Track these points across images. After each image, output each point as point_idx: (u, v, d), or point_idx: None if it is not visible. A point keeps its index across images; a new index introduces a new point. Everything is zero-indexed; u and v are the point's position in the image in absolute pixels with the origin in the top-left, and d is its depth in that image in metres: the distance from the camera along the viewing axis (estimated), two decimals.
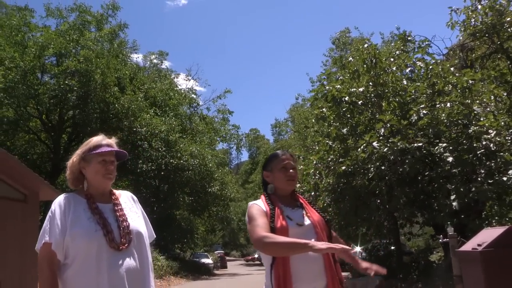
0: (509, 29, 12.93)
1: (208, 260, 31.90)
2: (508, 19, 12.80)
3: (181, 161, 24.04)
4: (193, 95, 32.72)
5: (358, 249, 19.64)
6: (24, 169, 8.86)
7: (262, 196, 2.60)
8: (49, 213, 2.20)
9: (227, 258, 43.02)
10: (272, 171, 2.59)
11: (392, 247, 14.70)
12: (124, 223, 2.25)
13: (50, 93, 21.39)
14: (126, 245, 2.18)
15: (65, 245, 2.12)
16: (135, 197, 2.54)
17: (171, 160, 23.80)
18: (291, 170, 2.56)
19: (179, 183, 25.11)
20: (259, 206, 2.52)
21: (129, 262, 2.16)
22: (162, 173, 23.94)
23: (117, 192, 2.46)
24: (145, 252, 2.30)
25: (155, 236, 2.58)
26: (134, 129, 23.44)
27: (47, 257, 2.12)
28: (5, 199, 8.57)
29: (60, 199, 2.25)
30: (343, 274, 14.29)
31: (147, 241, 2.38)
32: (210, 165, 25.71)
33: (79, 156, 2.34)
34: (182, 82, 34.96)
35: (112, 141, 2.46)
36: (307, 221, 2.43)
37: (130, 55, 29.52)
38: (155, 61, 33.87)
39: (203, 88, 63.41)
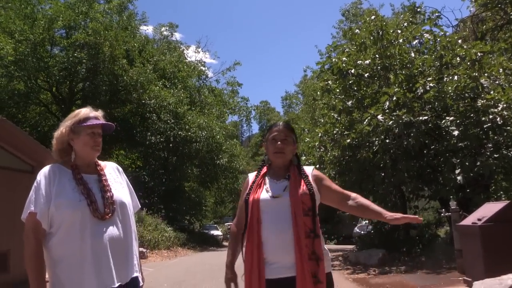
0: None
1: (217, 232, 32.23)
2: None
3: (189, 133, 24.11)
4: (202, 67, 32.53)
5: (364, 222, 19.81)
6: (31, 142, 9.01)
7: (264, 167, 2.67)
8: (35, 183, 2.23)
9: None
10: (266, 142, 2.64)
11: None
12: (108, 194, 2.28)
13: (59, 65, 21.44)
14: (109, 214, 2.22)
15: (50, 214, 2.16)
16: (120, 168, 2.57)
17: (180, 132, 23.87)
18: (278, 143, 2.55)
19: (187, 155, 25.21)
20: (248, 178, 2.65)
21: (113, 231, 2.21)
22: (171, 145, 24.09)
23: (103, 163, 2.49)
24: (129, 222, 2.34)
25: (139, 206, 2.61)
26: (143, 102, 23.49)
27: (32, 226, 2.16)
28: (13, 171, 8.74)
29: (45, 170, 2.29)
30: (350, 247, 14.46)
31: (131, 211, 2.41)
32: (218, 137, 25.73)
33: (68, 127, 2.36)
34: (192, 55, 34.76)
35: (99, 113, 2.48)
36: (285, 194, 2.42)
37: (139, 27, 29.34)
38: (165, 33, 33.63)
39: (213, 60, 63.21)
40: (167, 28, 34.25)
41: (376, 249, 12.23)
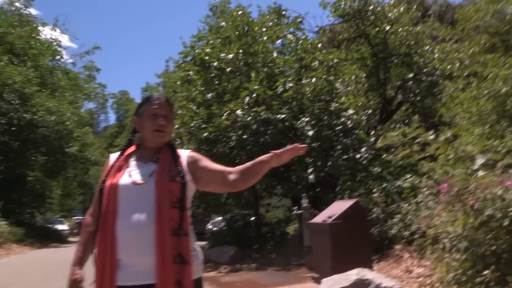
0: (371, 17, 13.63)
1: (62, 226, 29.92)
2: (371, 7, 13.48)
3: (36, 117, 21.89)
4: (57, 47, 29.95)
5: (217, 219, 19.78)
6: None
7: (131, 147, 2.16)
8: None
9: None
10: (142, 118, 2.10)
11: (252, 218, 14.93)
12: None
13: None
14: None
15: None
16: None
17: (25, 115, 21.52)
18: (161, 119, 2.06)
19: (33, 141, 22.87)
20: (109, 159, 2.14)
21: None
22: (13, 128, 21.57)
23: None
24: None
25: None
26: None
27: None
28: None
29: None
30: (201, 243, 14.11)
31: None
32: (68, 123, 23.81)
33: None
34: (48, 33, 31.51)
35: None
36: (150, 181, 1.94)
37: None
38: (17, 4, 30.10)
39: (73, 44, 58.89)
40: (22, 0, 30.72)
41: (228, 246, 12.15)
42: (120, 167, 2.05)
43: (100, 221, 1.94)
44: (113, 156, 2.16)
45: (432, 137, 4.09)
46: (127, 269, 1.87)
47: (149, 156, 2.07)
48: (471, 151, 4.78)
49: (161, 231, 1.84)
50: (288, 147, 1.95)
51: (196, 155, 2.13)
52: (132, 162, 2.06)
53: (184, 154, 2.11)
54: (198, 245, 2.08)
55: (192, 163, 2.07)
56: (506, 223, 3.88)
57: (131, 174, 1.99)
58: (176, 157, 2.06)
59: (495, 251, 4.00)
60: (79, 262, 1.98)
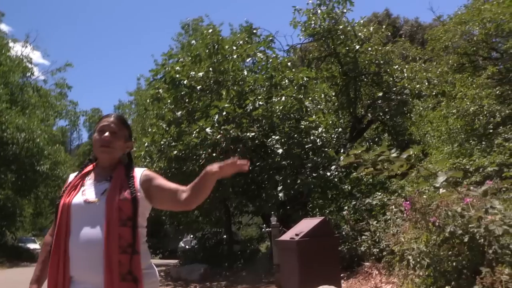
0: (341, 36, 13.85)
1: (35, 245, 29.17)
2: (341, 27, 13.71)
3: (5, 134, 21.40)
4: (28, 64, 29.45)
5: (189, 237, 19.53)
6: None
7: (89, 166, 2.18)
8: None
9: None
10: (94, 134, 2.12)
11: (224, 236, 14.79)
12: None
13: None
14: None
15: None
16: None
17: None
18: (106, 134, 2.05)
19: (3, 159, 22.36)
20: (68, 179, 2.18)
21: None
22: None
23: None
24: None
25: None
26: None
27: None
28: None
29: None
30: (174, 261, 13.96)
31: None
32: (38, 140, 23.34)
33: None
34: (19, 49, 30.95)
35: None
36: (102, 199, 1.95)
37: None
38: None
39: (45, 61, 58.18)
40: None
41: (198, 264, 12.01)
42: (75, 185, 2.06)
43: (54, 238, 1.95)
44: (72, 175, 2.18)
45: (394, 155, 4.12)
46: (79, 286, 1.90)
47: (104, 174, 2.08)
48: (433, 169, 4.84)
49: (109, 249, 1.85)
50: (230, 161, 1.96)
51: (151, 173, 2.13)
52: (88, 181, 2.08)
53: (139, 173, 2.10)
54: (152, 264, 2.08)
55: (146, 181, 2.06)
56: (466, 239, 3.91)
57: (85, 193, 2.01)
58: (130, 176, 2.05)
59: (456, 267, 4.03)
60: (37, 280, 2.03)
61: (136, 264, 1.89)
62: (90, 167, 2.16)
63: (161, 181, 2.09)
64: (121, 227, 1.89)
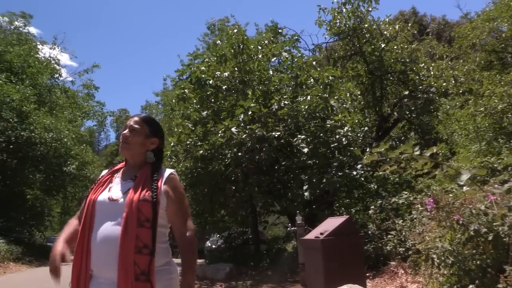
0: (366, 35, 13.79)
1: None
2: (366, 25, 13.64)
3: (33, 134, 21.90)
4: (56, 66, 30.10)
5: (215, 236, 19.70)
6: None
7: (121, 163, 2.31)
8: None
9: None
10: None
11: (250, 235, 14.87)
12: None
13: None
14: None
15: None
16: None
17: (22, 133, 21.55)
18: (126, 131, 2.16)
19: (31, 159, 22.86)
20: (100, 175, 2.29)
21: None
22: (11, 146, 21.56)
23: None
24: None
25: None
26: None
27: None
28: None
29: None
30: (198, 261, 14.12)
31: None
32: (66, 140, 23.78)
33: None
34: (47, 51, 31.69)
35: None
36: (122, 198, 2.03)
37: None
38: (16, 23, 30.43)
39: (73, 63, 59.46)
40: (19, 17, 31.02)
41: (224, 263, 12.09)
42: (104, 182, 2.16)
43: (79, 232, 2.04)
44: (104, 171, 2.28)
45: (417, 152, 4.12)
46: (97, 280, 1.98)
47: (130, 173, 2.16)
48: (458, 167, 4.81)
49: (124, 248, 1.91)
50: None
51: (175, 181, 2.16)
52: (116, 179, 2.17)
53: (165, 174, 2.15)
54: (172, 261, 2.14)
55: (170, 186, 2.11)
56: (490, 237, 3.89)
57: (111, 190, 2.09)
58: (154, 176, 2.10)
59: (480, 265, 4.01)
60: (63, 238, 2.11)
61: (150, 265, 1.93)
62: (121, 165, 2.26)
63: (178, 195, 2.13)
64: (138, 227, 1.94)
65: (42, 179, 25.29)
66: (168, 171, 2.17)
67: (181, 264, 2.06)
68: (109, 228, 1.97)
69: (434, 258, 4.78)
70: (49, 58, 29.92)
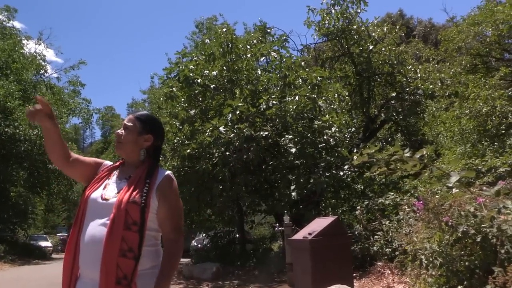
0: (355, 36, 13.87)
1: (46, 243, 29.30)
2: (355, 27, 13.72)
3: (17, 131, 21.55)
4: (41, 61, 29.68)
5: (202, 236, 19.67)
6: None
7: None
8: None
9: None
10: None
11: (237, 235, 14.84)
12: None
13: None
14: None
15: None
16: None
17: (6, 129, 21.19)
18: (120, 129, 2.13)
19: (15, 156, 22.52)
20: (103, 165, 2.25)
21: None
22: None
23: None
24: None
25: None
26: None
27: None
28: None
29: None
30: (184, 260, 13.98)
31: None
32: None
33: None
34: (32, 47, 31.19)
35: None
36: (113, 198, 1.97)
37: None
38: (0, 17, 29.87)
39: (59, 59, 58.89)
40: (3, 12, 30.50)
41: (210, 262, 12.05)
42: (101, 178, 2.10)
43: (72, 228, 2.03)
44: (108, 162, 2.24)
45: (408, 154, 4.14)
46: (83, 280, 1.96)
47: (126, 173, 2.11)
48: (445, 169, 4.85)
49: (108, 250, 1.86)
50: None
51: (169, 182, 2.08)
52: (114, 177, 2.11)
53: (161, 175, 2.08)
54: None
55: (162, 189, 2.04)
56: (479, 239, 3.93)
57: (106, 188, 2.04)
58: (147, 179, 2.03)
59: (468, 266, 4.05)
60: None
61: (134, 270, 1.88)
62: (119, 163, 2.19)
63: (170, 200, 2.05)
64: (124, 230, 1.88)
65: (26, 176, 24.95)
66: (164, 172, 2.10)
67: (160, 270, 1.98)
68: (96, 228, 1.92)
69: (423, 259, 4.81)
70: (34, 53, 29.48)
